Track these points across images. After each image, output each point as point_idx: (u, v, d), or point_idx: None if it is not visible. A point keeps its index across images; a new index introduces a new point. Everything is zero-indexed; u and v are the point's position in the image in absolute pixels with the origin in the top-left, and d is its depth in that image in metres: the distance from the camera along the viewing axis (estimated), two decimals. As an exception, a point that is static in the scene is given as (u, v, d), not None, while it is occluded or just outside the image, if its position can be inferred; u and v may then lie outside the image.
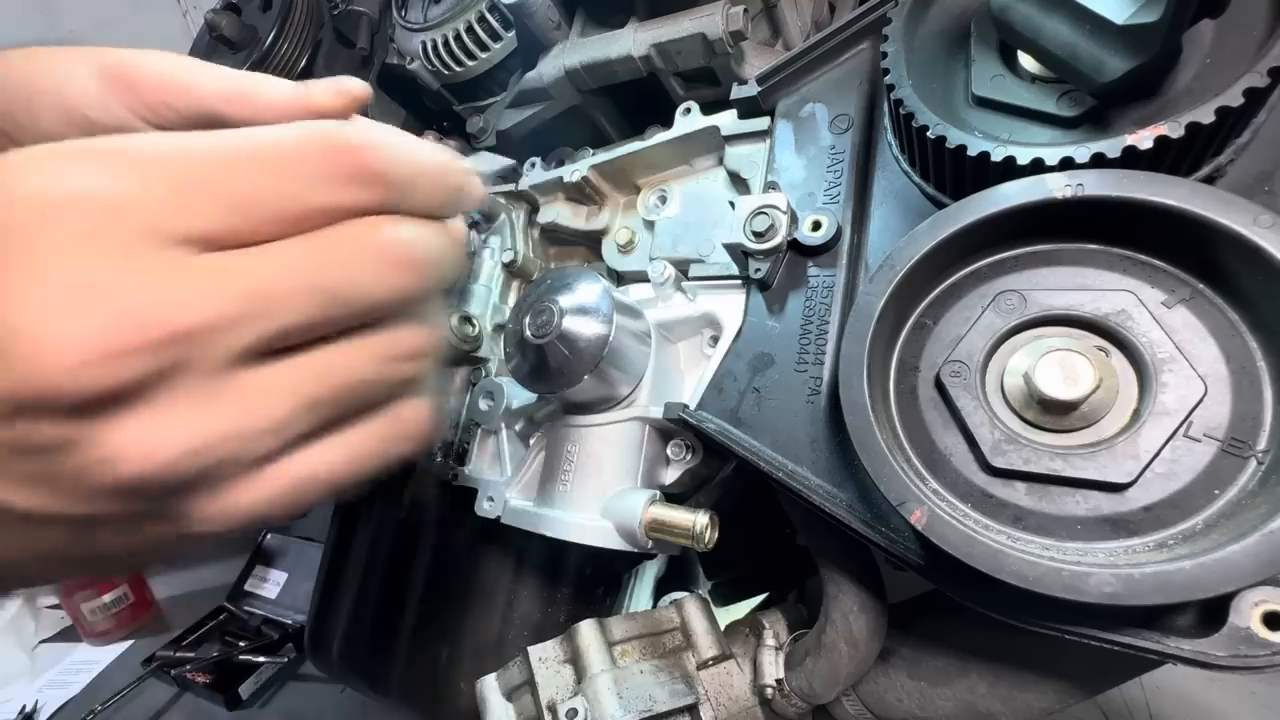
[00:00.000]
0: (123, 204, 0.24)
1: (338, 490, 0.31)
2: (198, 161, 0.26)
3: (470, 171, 0.33)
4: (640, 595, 1.05)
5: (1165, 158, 0.44)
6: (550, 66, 0.92)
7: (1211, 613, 0.41)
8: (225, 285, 0.25)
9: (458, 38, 1.01)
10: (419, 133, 1.13)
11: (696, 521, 0.58)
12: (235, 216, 0.26)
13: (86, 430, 0.24)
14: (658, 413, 0.65)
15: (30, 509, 0.25)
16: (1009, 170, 0.48)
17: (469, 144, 1.12)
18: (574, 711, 0.63)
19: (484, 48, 1.01)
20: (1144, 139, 0.43)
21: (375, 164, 0.28)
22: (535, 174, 0.94)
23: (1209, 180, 0.48)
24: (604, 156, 0.86)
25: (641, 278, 0.77)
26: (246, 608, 1.69)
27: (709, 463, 0.68)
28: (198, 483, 0.27)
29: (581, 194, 0.89)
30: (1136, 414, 0.43)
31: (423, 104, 1.17)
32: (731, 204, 0.72)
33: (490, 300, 0.96)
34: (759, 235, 0.62)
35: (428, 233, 0.30)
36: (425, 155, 0.31)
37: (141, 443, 0.25)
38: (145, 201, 0.25)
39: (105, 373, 0.23)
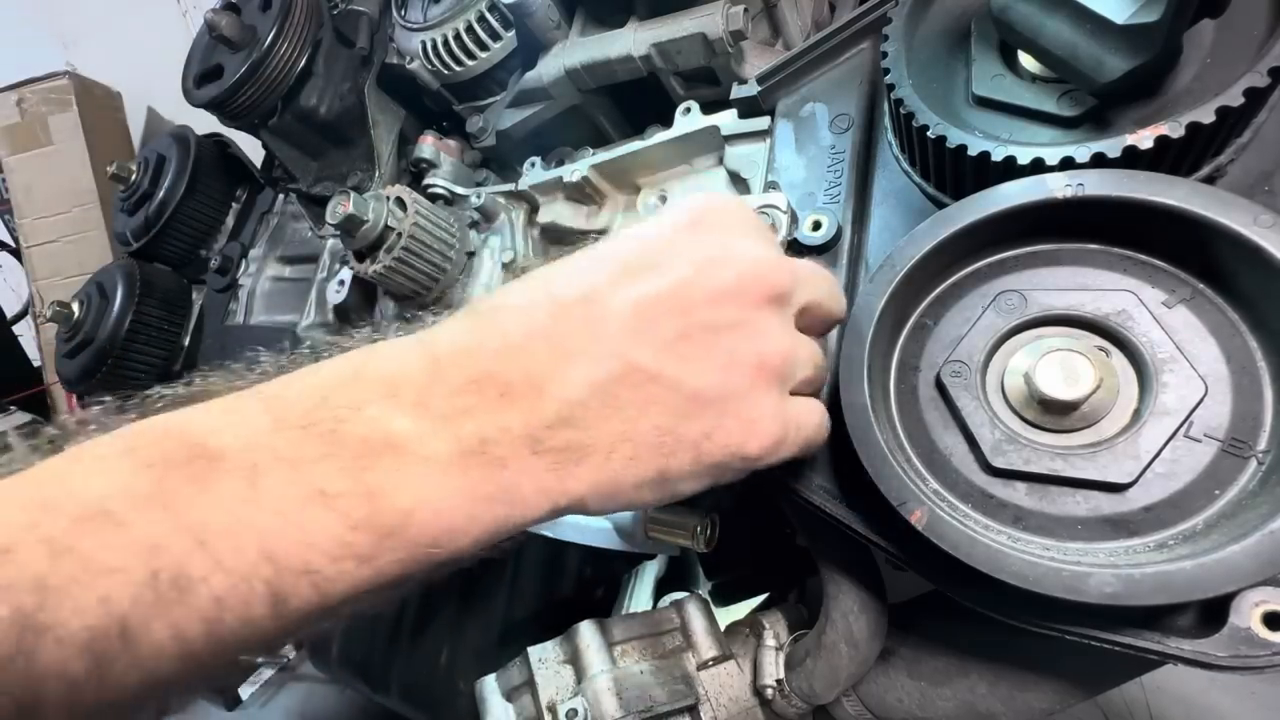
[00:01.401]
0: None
1: (813, 443, 0.44)
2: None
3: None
4: (640, 595, 1.05)
5: (1165, 158, 0.44)
6: (550, 66, 0.92)
7: (1212, 613, 0.41)
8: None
9: (457, 37, 1.01)
10: (419, 132, 1.13)
11: (696, 522, 0.58)
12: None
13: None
14: (658, 413, 0.65)
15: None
16: (1009, 170, 0.48)
17: (469, 144, 1.12)
18: (574, 712, 0.63)
19: (484, 47, 1.01)
20: (1144, 139, 0.43)
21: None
22: (535, 174, 0.94)
23: (1209, 180, 0.48)
24: (604, 156, 0.86)
25: (641, 278, 0.77)
26: (246, 608, 1.69)
27: (709, 463, 0.68)
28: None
29: (581, 194, 0.89)
30: (1137, 414, 0.43)
31: (423, 104, 1.17)
32: (731, 204, 0.72)
33: (490, 300, 0.96)
34: (759, 235, 0.62)
35: None
36: None
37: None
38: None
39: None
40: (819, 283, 0.44)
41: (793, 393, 0.42)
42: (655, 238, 0.41)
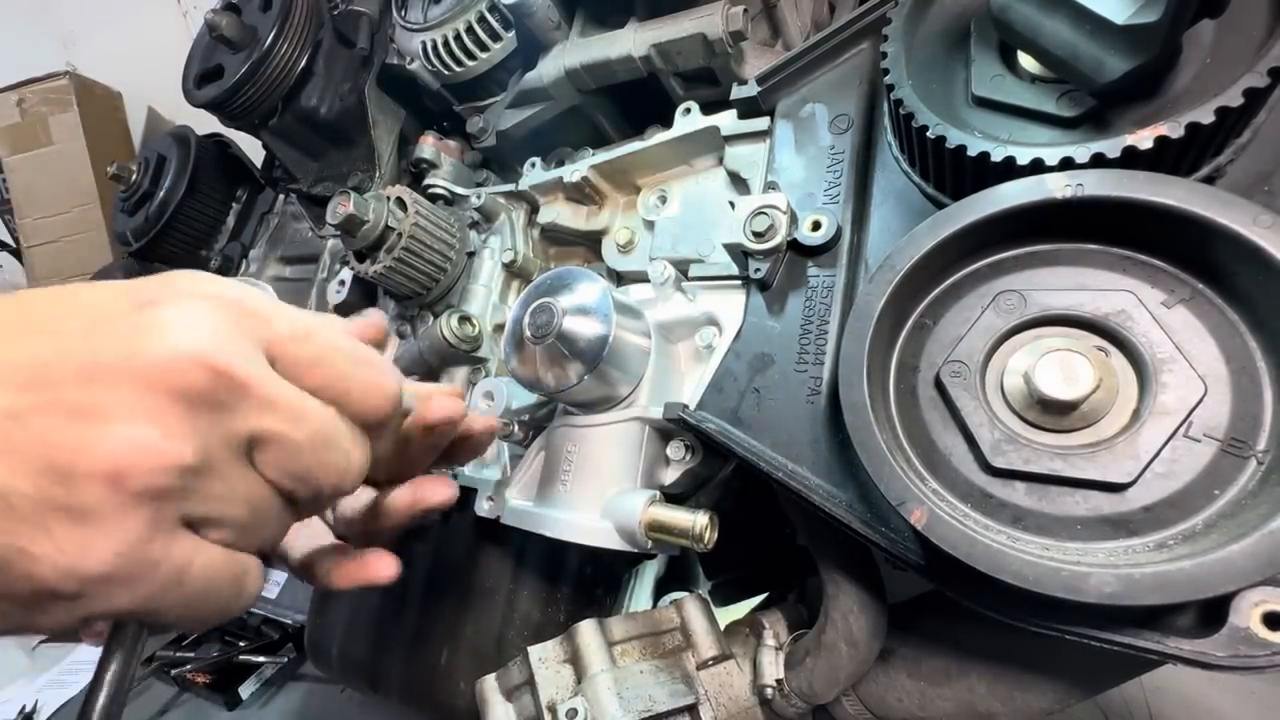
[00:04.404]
0: None
1: (216, 606, 0.33)
2: None
3: None
4: (640, 595, 1.05)
5: (1165, 158, 0.44)
6: (550, 66, 0.92)
7: (1211, 613, 0.41)
8: None
9: (458, 38, 1.01)
10: (419, 133, 1.13)
11: (696, 522, 0.58)
12: None
13: None
14: (658, 413, 0.65)
15: None
16: (1009, 170, 0.48)
17: (469, 144, 1.12)
18: (574, 711, 0.63)
19: (484, 48, 1.01)
20: (1144, 139, 0.43)
21: None
22: (535, 174, 0.94)
23: (1209, 180, 0.48)
24: (604, 156, 0.86)
25: (641, 278, 0.77)
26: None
27: (709, 463, 0.68)
28: None
29: (581, 194, 0.89)
30: (1136, 414, 0.43)
31: (423, 104, 1.17)
32: (731, 204, 0.72)
33: (490, 300, 0.96)
34: (759, 235, 0.62)
35: None
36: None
37: None
38: None
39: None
40: (298, 416, 0.32)
41: (210, 537, 0.32)
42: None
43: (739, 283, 0.68)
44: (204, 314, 0.30)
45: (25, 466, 0.27)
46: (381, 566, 0.46)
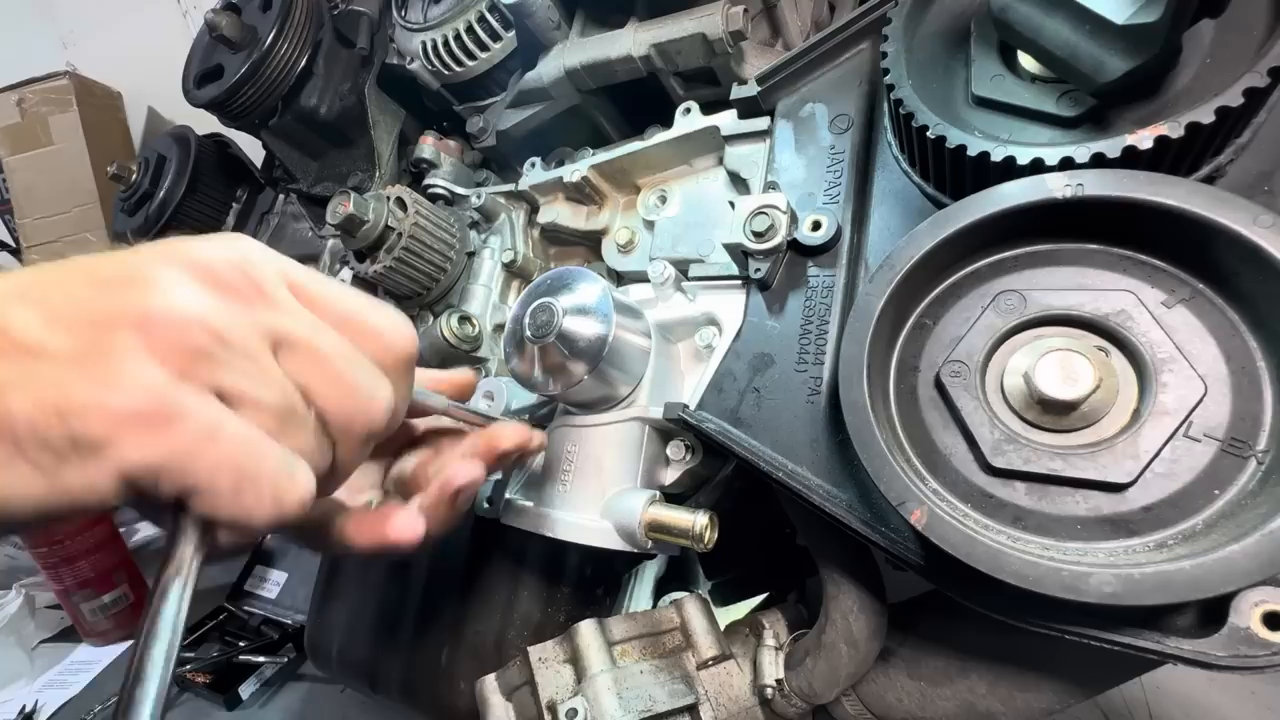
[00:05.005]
0: None
1: (236, 481, 0.34)
2: None
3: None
4: (640, 595, 1.05)
5: (1165, 158, 0.44)
6: (550, 66, 0.92)
7: (1211, 613, 0.41)
8: None
9: (458, 38, 1.01)
10: (419, 133, 1.13)
11: (696, 522, 0.58)
12: None
13: None
14: (658, 413, 0.65)
15: None
16: (1009, 170, 0.48)
17: (469, 144, 1.12)
18: (574, 711, 0.63)
19: (484, 48, 1.01)
20: (1144, 139, 0.43)
21: None
22: (535, 174, 0.94)
23: (1209, 180, 0.48)
24: (604, 156, 0.86)
25: (641, 278, 0.77)
26: (246, 608, 1.69)
27: (709, 463, 0.68)
28: None
29: (581, 194, 0.89)
30: (1136, 414, 0.43)
31: (423, 104, 1.18)
32: (731, 204, 0.72)
33: (490, 300, 0.96)
34: (759, 235, 0.62)
35: None
36: None
37: None
38: None
39: None
40: (320, 329, 0.36)
41: (245, 415, 0.33)
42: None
43: (739, 283, 0.68)
44: (238, 239, 0.36)
45: (64, 321, 0.30)
46: (402, 524, 0.45)
